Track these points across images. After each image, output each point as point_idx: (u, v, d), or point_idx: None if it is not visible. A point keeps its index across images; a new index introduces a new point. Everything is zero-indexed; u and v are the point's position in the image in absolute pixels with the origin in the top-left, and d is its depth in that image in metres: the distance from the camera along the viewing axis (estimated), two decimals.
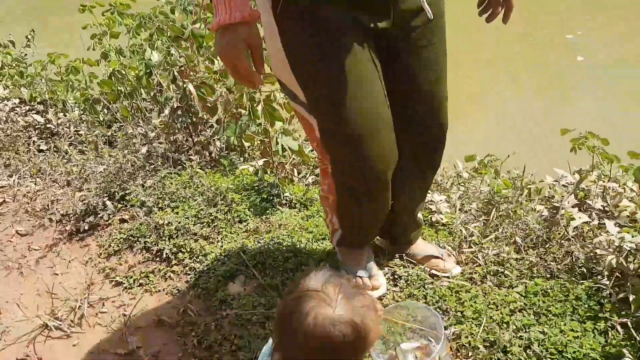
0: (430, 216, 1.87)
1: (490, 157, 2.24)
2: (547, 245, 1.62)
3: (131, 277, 1.80)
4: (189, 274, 1.78)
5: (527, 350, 1.31)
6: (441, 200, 1.89)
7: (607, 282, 1.40)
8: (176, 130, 2.27)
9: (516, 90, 3.98)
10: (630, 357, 1.09)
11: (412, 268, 1.63)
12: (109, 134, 2.61)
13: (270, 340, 1.03)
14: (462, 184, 2.08)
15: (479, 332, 1.36)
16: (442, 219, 1.84)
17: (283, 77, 1.21)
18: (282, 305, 0.95)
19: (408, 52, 1.20)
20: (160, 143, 2.31)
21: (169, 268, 1.81)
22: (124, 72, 2.54)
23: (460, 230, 1.73)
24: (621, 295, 1.37)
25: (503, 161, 2.20)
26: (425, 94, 1.26)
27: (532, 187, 1.89)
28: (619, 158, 1.81)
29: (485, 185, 1.98)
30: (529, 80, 4.13)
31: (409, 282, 1.59)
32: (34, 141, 2.66)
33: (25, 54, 3.46)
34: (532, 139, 3.12)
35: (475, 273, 1.58)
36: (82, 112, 2.76)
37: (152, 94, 2.50)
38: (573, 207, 1.68)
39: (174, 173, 2.18)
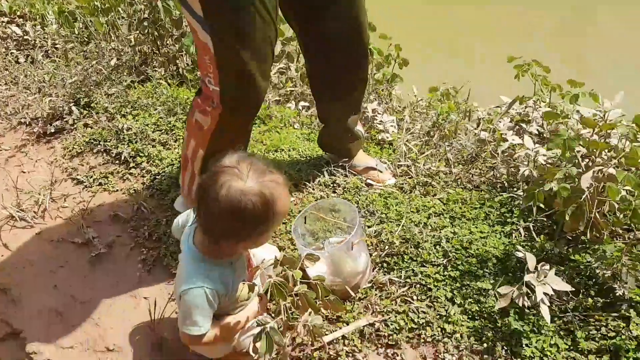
0: (377, 135, 1.96)
1: (450, 87, 2.32)
2: (475, 162, 1.72)
3: (91, 176, 1.91)
4: (145, 177, 1.89)
5: (437, 247, 1.43)
6: (390, 121, 1.98)
7: (521, 193, 1.51)
8: (142, 42, 2.32)
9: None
10: (523, 251, 1.20)
11: (352, 178, 1.74)
12: (85, 49, 2.67)
13: None
14: (415, 109, 2.16)
15: (397, 230, 1.48)
16: (388, 138, 1.93)
17: None
18: (201, 180, 1.04)
19: None
20: (128, 56, 2.38)
21: (127, 170, 1.92)
22: None
23: (401, 147, 1.83)
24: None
25: (458, 90, 2.28)
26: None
27: (477, 111, 1.98)
28: (561, 87, 1.88)
29: (436, 112, 2.06)
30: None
31: (345, 189, 1.70)
32: (11, 52, 2.72)
33: None
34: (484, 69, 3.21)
35: (406, 184, 1.69)
36: (59, 26, 2.81)
37: (127, 11, 2.54)
38: (509, 129, 1.77)
39: (138, 82, 2.26)
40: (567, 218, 1.24)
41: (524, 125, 1.78)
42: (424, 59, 3.35)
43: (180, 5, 1.25)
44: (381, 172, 1.73)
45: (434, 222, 1.51)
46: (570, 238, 1.40)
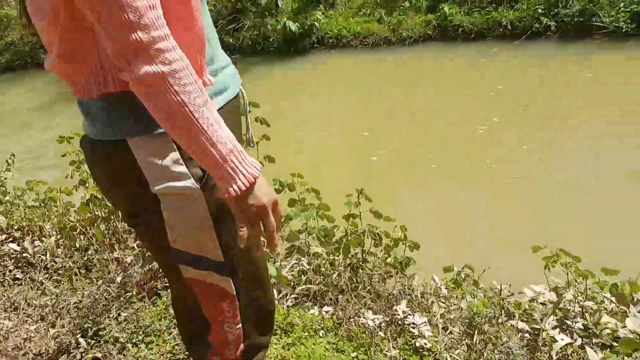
0: (414, 341, 1.84)
1: (467, 268, 2.26)
2: None
3: None
4: None
5: None
6: (423, 323, 1.87)
7: None
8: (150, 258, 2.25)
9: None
10: None
11: None
12: (85, 258, 2.58)
13: None
14: (443, 302, 2.07)
15: None
16: (426, 344, 1.81)
17: (198, 242, 1.03)
18: None
19: None
20: (135, 270, 2.28)
21: None
22: (100, 197, 2.56)
23: (446, 359, 1.69)
24: None
25: (480, 275, 2.22)
26: None
27: (511, 302, 1.89)
28: (593, 273, 1.84)
29: (465, 302, 1.98)
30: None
31: None
32: (9, 270, 2.61)
33: (5, 178, 3.49)
34: (505, 249, 3.16)
35: None
36: (58, 237, 2.74)
37: None
38: (554, 328, 1.68)
39: (149, 304, 2.13)
40: None
41: (568, 321, 1.69)
42: (434, 239, 3.33)
43: (164, 257, 1.07)
44: None
45: None
46: None
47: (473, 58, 8.25)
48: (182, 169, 0.94)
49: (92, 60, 0.89)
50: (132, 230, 2.63)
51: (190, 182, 0.95)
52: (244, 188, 0.88)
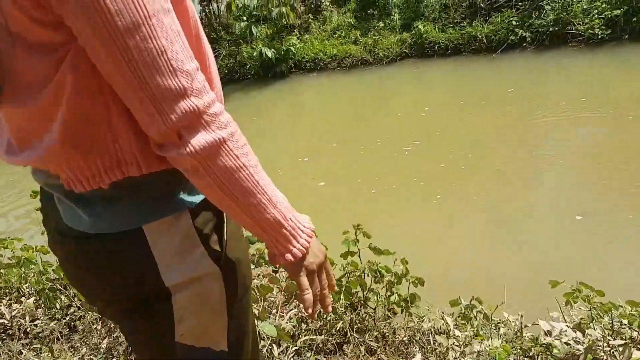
0: None
1: (475, 301, 2.13)
2: None
3: None
4: None
5: None
6: None
7: None
8: None
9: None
10: None
11: None
12: (68, 317, 2.39)
13: None
14: (457, 345, 1.92)
15: None
16: None
17: (207, 332, 0.90)
18: None
19: None
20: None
21: None
22: None
23: None
24: None
25: (493, 312, 2.08)
26: None
27: (527, 337, 1.76)
28: (616, 305, 1.72)
29: (482, 344, 1.84)
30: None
31: None
32: None
33: None
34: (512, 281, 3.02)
35: None
36: (37, 298, 2.55)
37: None
38: None
39: None
40: None
41: None
42: (437, 274, 3.17)
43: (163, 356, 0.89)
44: None
45: None
46: None
47: (449, 73, 8.28)
48: (202, 250, 0.80)
49: (106, 141, 0.72)
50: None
51: (209, 263, 0.81)
52: (307, 245, 0.81)
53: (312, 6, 10.45)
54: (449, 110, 6.80)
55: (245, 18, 9.94)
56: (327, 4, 10.30)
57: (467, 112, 6.59)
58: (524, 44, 8.14)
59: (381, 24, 9.62)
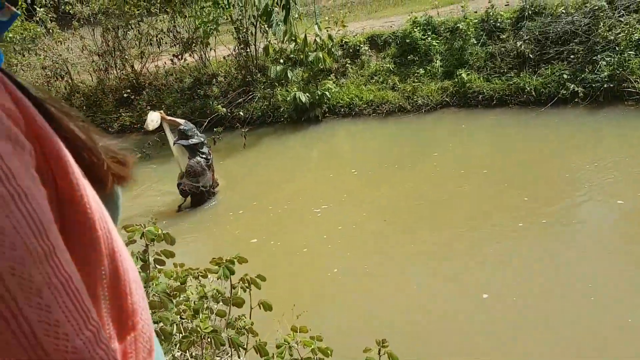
0: None
1: None
2: None
3: None
4: None
5: None
6: None
7: None
8: None
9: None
10: None
11: None
12: None
13: None
14: None
15: None
16: None
17: None
18: None
19: None
20: None
21: None
22: None
23: None
24: None
25: None
26: None
27: None
28: None
29: None
30: None
31: None
32: None
33: None
34: None
35: None
36: None
37: None
38: None
39: None
40: None
41: None
42: None
43: None
44: None
45: None
46: None
47: (493, 125, 7.77)
48: None
49: None
50: None
51: None
52: None
53: (351, 50, 10.16)
54: (490, 162, 6.30)
55: (282, 61, 9.71)
56: (366, 48, 9.99)
57: (509, 166, 6.08)
58: (576, 99, 7.57)
59: (421, 71, 9.21)
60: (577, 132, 6.94)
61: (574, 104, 7.57)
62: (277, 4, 8.97)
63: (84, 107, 11.62)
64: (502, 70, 8.48)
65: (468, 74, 8.58)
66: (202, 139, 6.36)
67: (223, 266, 1.91)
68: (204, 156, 6.33)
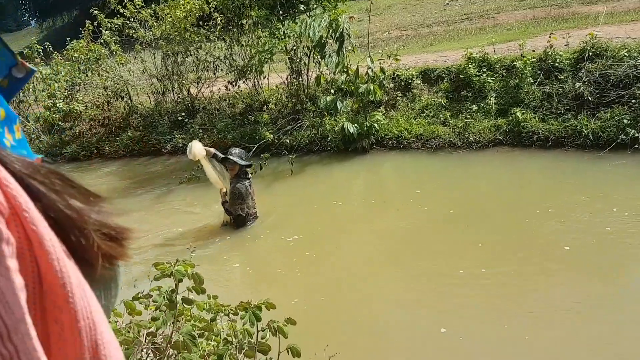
0: None
1: None
2: None
3: None
4: None
5: None
6: None
7: None
8: None
9: None
10: None
11: None
12: None
13: None
14: None
15: None
16: None
17: None
18: None
19: None
20: None
21: None
22: None
23: None
24: None
25: None
26: None
27: None
28: None
29: None
30: None
31: None
32: None
33: None
34: None
35: None
36: None
37: None
38: None
39: None
40: None
41: None
42: None
43: None
44: None
45: None
46: None
47: (547, 167, 7.48)
48: None
49: None
50: None
51: None
52: None
53: (402, 83, 10.12)
54: (546, 204, 6.02)
55: (332, 91, 9.77)
56: (418, 82, 9.92)
57: (565, 209, 5.79)
58: (636, 145, 7.20)
59: (474, 107, 9.03)
60: (637, 179, 6.58)
61: (634, 150, 7.20)
62: (331, 36, 9.12)
63: (141, 128, 12.04)
64: (558, 111, 8.20)
65: (523, 113, 8.34)
66: (250, 163, 6.51)
67: (250, 312, 1.86)
68: (249, 179, 6.45)
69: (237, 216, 6.45)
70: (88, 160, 12.17)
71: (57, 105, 12.46)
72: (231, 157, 6.28)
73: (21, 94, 13.48)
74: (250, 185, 6.49)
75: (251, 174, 6.71)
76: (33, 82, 13.33)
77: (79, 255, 0.62)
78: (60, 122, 12.81)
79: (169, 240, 6.71)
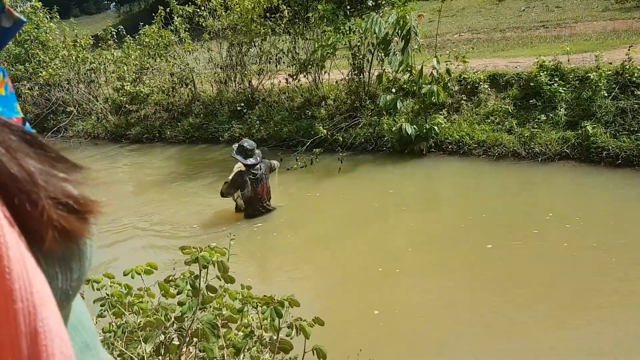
0: None
1: None
2: None
3: None
4: None
5: None
6: None
7: None
8: None
9: None
10: None
11: None
12: None
13: None
14: None
15: None
16: None
17: None
18: None
19: None
20: None
21: None
22: None
23: None
24: None
25: None
26: None
27: None
28: None
29: None
30: None
31: None
32: None
33: None
34: None
35: None
36: None
37: None
38: None
39: None
40: None
41: None
42: None
43: None
44: None
45: None
46: None
47: (615, 186, 6.96)
48: None
49: None
50: None
51: None
52: None
53: (468, 87, 9.75)
54: (603, 229, 5.60)
55: (393, 91, 9.54)
56: (486, 86, 9.51)
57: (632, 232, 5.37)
58: None
59: (543, 117, 8.56)
60: None
61: None
62: (397, 34, 8.89)
63: (202, 115, 12.26)
64: (632, 128, 7.63)
65: (594, 127, 7.82)
66: (258, 160, 6.75)
67: (271, 307, 1.75)
68: (251, 174, 6.72)
69: (247, 206, 6.84)
70: (150, 143, 12.53)
71: (125, 87, 12.89)
72: (236, 156, 6.69)
73: (92, 74, 14.07)
74: (255, 176, 6.68)
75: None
76: (104, 64, 13.86)
77: (25, 225, 0.51)
78: (127, 105, 13.25)
79: (207, 225, 6.87)
